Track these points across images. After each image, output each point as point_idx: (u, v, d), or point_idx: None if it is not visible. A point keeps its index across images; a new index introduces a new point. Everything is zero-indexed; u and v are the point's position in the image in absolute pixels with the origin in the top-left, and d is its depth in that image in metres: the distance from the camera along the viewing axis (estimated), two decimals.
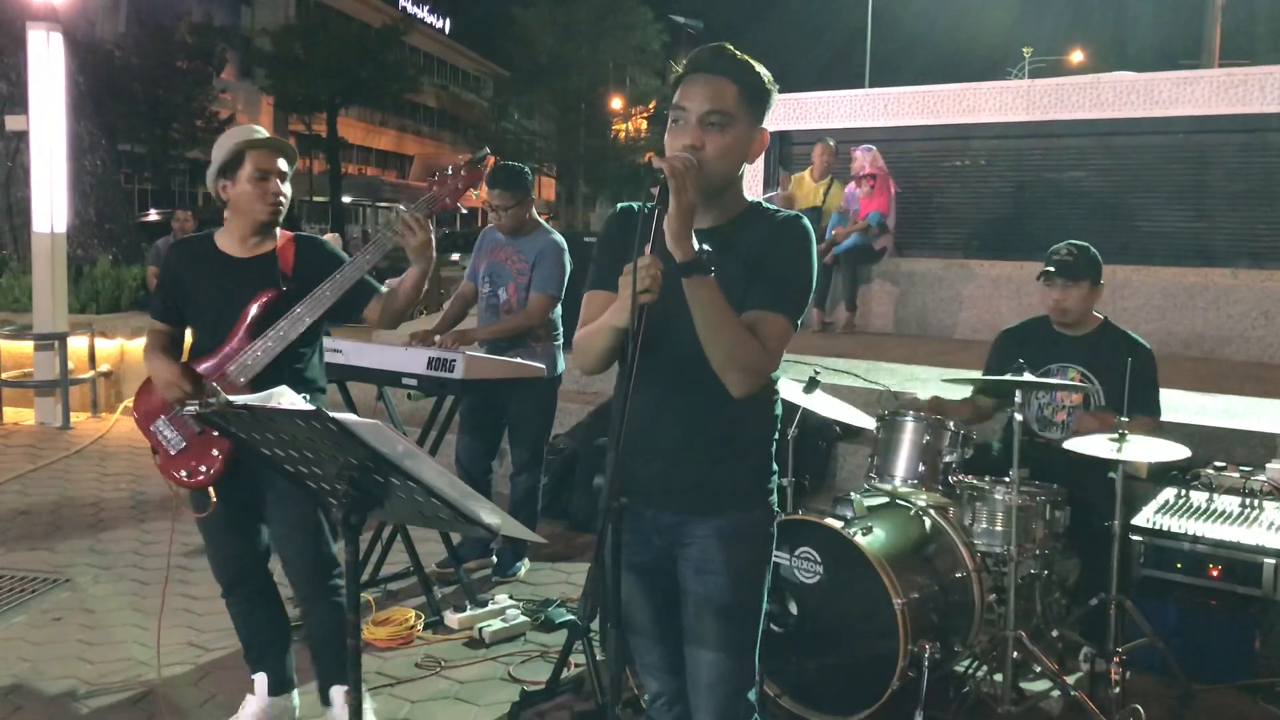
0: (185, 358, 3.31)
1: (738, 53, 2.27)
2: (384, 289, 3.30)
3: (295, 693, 3.53)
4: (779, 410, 2.44)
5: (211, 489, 3.18)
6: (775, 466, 2.42)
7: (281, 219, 3.27)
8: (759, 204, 2.36)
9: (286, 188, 3.25)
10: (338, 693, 3.40)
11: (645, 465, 2.31)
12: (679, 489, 2.31)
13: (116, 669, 3.96)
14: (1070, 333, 4.21)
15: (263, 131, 3.30)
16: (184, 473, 3.19)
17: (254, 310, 3.18)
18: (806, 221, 2.32)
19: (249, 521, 3.32)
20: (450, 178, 3.26)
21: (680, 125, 2.22)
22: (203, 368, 3.21)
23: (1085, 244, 4.21)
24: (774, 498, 2.40)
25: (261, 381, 3.13)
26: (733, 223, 2.30)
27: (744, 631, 2.35)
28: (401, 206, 3.17)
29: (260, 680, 3.46)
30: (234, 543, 3.34)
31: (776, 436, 2.42)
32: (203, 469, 3.16)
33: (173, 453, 3.21)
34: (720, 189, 2.26)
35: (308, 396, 3.25)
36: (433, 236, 3.11)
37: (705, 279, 2.10)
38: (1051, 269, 4.14)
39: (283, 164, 3.22)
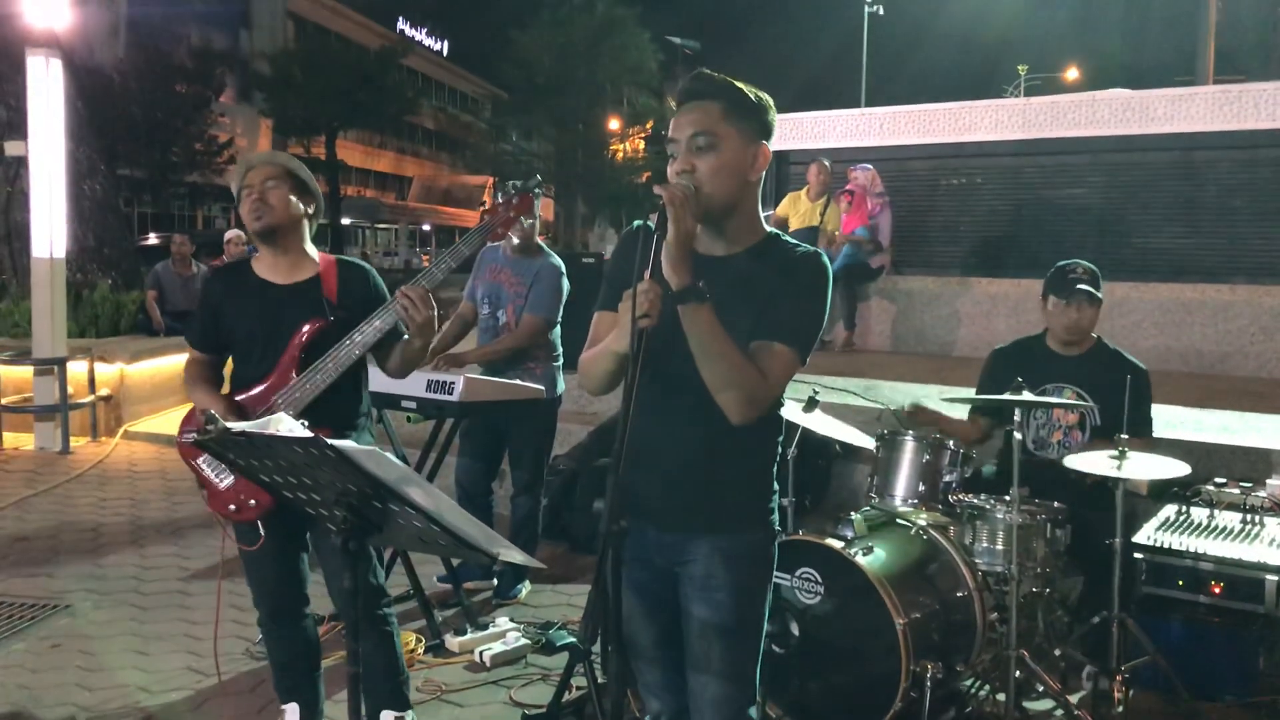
0: (226, 387, 3.26)
1: (717, 75, 2.29)
2: (407, 336, 3.20)
3: None
4: (782, 436, 2.45)
5: (260, 522, 3.11)
6: (776, 487, 2.42)
7: (274, 224, 3.14)
8: (777, 235, 2.35)
9: (273, 195, 3.13)
10: (388, 717, 3.38)
11: (647, 485, 2.32)
12: (680, 508, 2.32)
13: (115, 696, 3.94)
14: (1065, 352, 4.20)
15: (259, 154, 3.30)
16: (232, 506, 3.11)
17: (301, 340, 3.10)
18: (826, 259, 2.32)
19: (294, 552, 3.26)
20: (502, 206, 3.21)
21: (674, 157, 2.25)
22: (247, 399, 3.13)
23: (1090, 264, 4.21)
24: (775, 518, 2.41)
25: (310, 413, 3.04)
26: (747, 253, 2.30)
27: (745, 651, 2.35)
28: (379, 284, 3.15)
29: (292, 711, 3.42)
30: (279, 574, 3.27)
31: (778, 460, 2.43)
32: (251, 502, 3.08)
33: (220, 487, 3.11)
34: (724, 212, 2.26)
35: (353, 430, 3.23)
36: (435, 314, 3.01)
37: (700, 306, 2.11)
38: (1081, 286, 4.12)
39: (260, 174, 3.13)
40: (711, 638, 2.31)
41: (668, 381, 2.23)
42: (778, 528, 2.42)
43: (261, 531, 3.12)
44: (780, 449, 2.45)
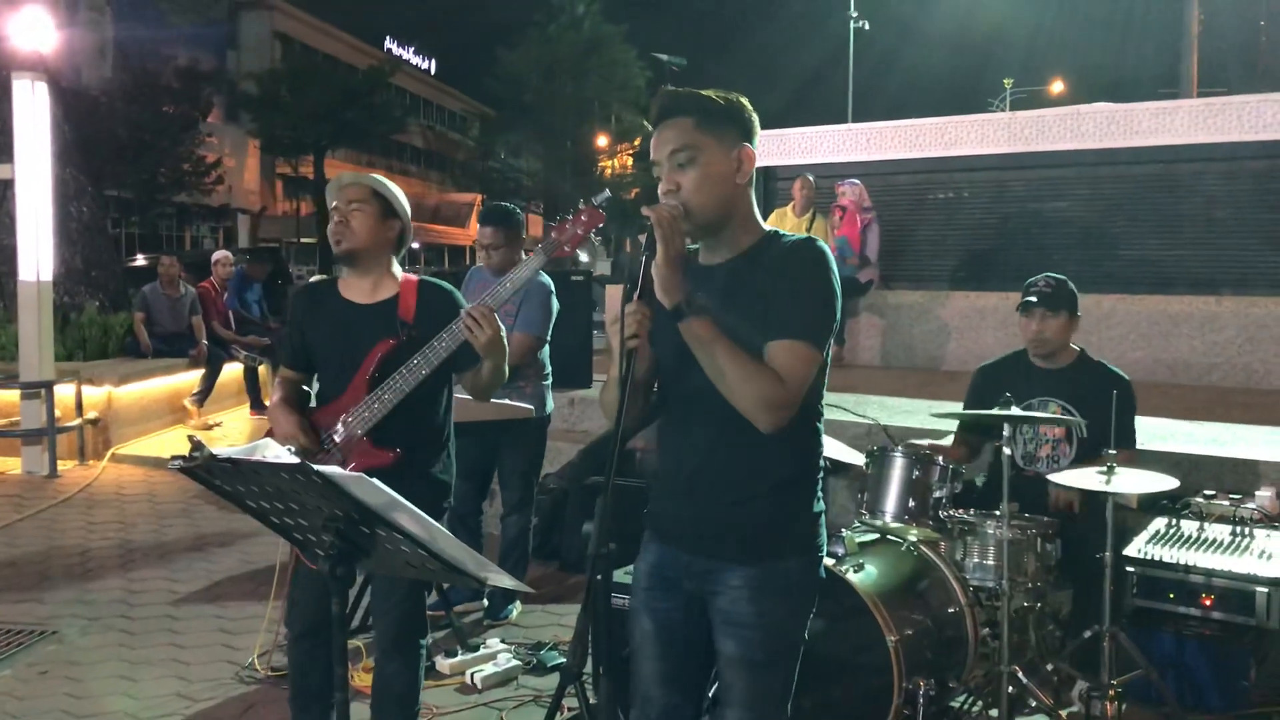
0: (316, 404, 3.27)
1: (683, 90, 2.28)
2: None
3: None
4: (819, 447, 2.34)
5: None
6: (820, 506, 2.33)
7: (356, 248, 3.15)
8: (776, 233, 2.31)
9: (356, 218, 3.13)
10: None
11: (677, 507, 2.32)
12: (711, 533, 2.28)
13: None
14: (1049, 366, 4.21)
15: (348, 175, 3.27)
16: None
17: (373, 359, 3.09)
18: (821, 243, 2.27)
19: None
20: (570, 222, 3.05)
21: (659, 177, 2.25)
22: (319, 416, 3.15)
23: (1063, 277, 4.23)
24: (818, 541, 2.32)
25: (384, 432, 3.07)
26: (746, 254, 2.27)
27: (773, 684, 2.31)
28: (465, 306, 3.01)
29: None
30: (321, 595, 3.15)
31: (820, 475, 2.34)
32: None
33: None
34: (719, 222, 2.25)
35: (436, 459, 3.22)
36: (502, 331, 2.97)
37: (700, 321, 2.10)
38: (1031, 299, 4.16)
39: (346, 195, 3.14)
40: (737, 671, 2.28)
41: (688, 401, 2.22)
42: (822, 550, 2.33)
43: None
44: (821, 463, 2.35)
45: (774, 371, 2.14)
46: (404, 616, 3.21)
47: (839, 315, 2.26)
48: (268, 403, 10.03)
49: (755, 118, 2.30)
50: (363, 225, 3.15)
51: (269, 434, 3.24)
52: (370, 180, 3.23)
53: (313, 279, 3.48)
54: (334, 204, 3.18)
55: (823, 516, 2.33)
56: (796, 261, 2.22)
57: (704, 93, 2.26)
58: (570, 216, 3.05)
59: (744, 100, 2.30)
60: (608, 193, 3.15)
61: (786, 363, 2.15)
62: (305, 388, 3.33)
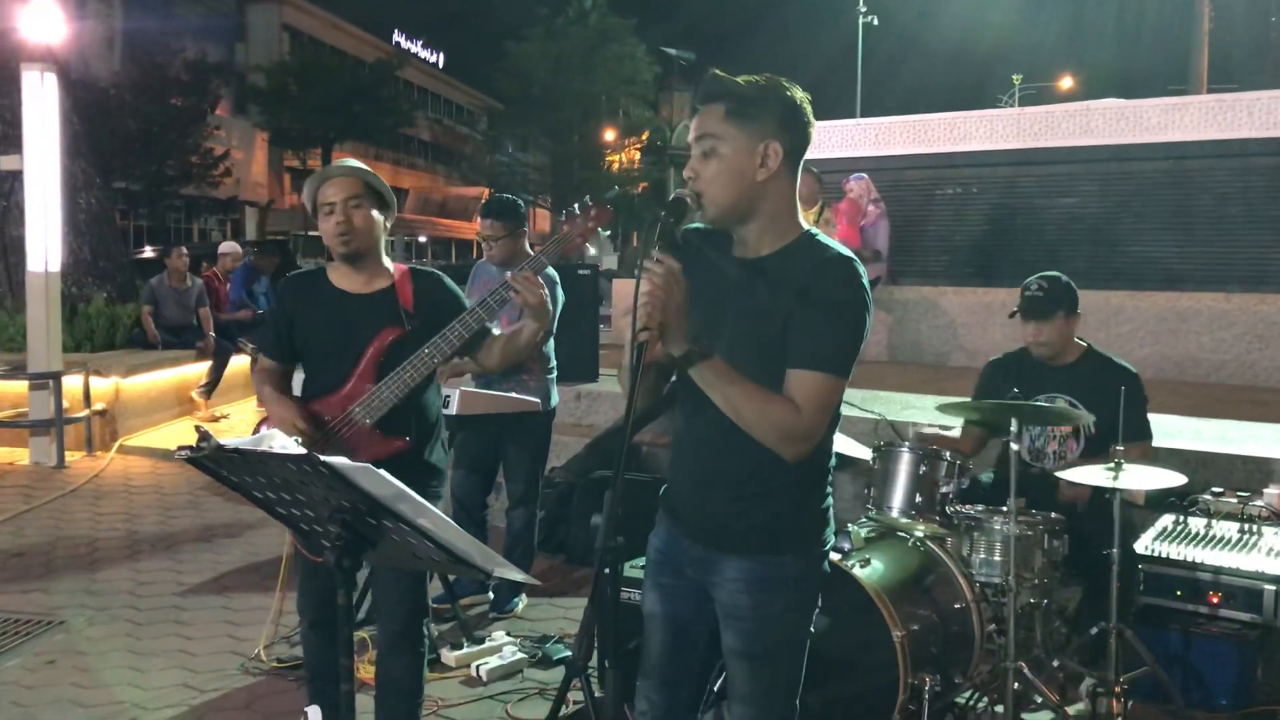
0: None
1: (724, 75, 2.19)
2: (498, 332, 3.21)
3: None
4: (828, 446, 2.30)
5: None
6: (828, 503, 2.30)
7: (362, 248, 3.11)
8: (812, 235, 2.23)
9: (359, 216, 3.07)
10: None
11: (685, 495, 2.33)
12: (711, 524, 2.28)
13: (111, 713, 3.92)
14: (1055, 362, 4.19)
15: (336, 166, 3.19)
16: None
17: (378, 349, 3.07)
18: (857, 263, 2.17)
19: None
20: (580, 217, 3.10)
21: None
22: (321, 406, 3.11)
23: (1056, 274, 4.17)
24: (823, 537, 2.30)
25: (389, 421, 3.07)
26: (781, 253, 2.20)
27: (775, 678, 2.30)
28: (509, 273, 3.04)
29: (314, 712, 3.41)
30: (331, 585, 3.26)
31: (829, 473, 2.31)
32: None
33: None
34: (737, 216, 2.19)
35: (432, 439, 3.23)
36: (547, 296, 3.00)
37: (709, 365, 2.08)
38: (1022, 310, 4.11)
39: (343, 191, 3.06)
40: (738, 663, 2.29)
41: (696, 393, 2.17)
42: (826, 546, 2.30)
43: None
44: (830, 462, 2.32)
45: (790, 402, 2.09)
46: (409, 612, 3.19)
47: (866, 337, 2.19)
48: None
49: (799, 105, 2.19)
50: (365, 221, 3.09)
51: (262, 422, 3.20)
52: (362, 172, 3.16)
53: (299, 270, 3.41)
54: (329, 200, 3.08)
55: (829, 513, 2.31)
56: (828, 283, 2.13)
57: (742, 79, 2.17)
58: (578, 211, 3.07)
59: (789, 87, 2.19)
60: (616, 189, 3.22)
61: (804, 394, 2.10)
62: (288, 377, 3.28)
